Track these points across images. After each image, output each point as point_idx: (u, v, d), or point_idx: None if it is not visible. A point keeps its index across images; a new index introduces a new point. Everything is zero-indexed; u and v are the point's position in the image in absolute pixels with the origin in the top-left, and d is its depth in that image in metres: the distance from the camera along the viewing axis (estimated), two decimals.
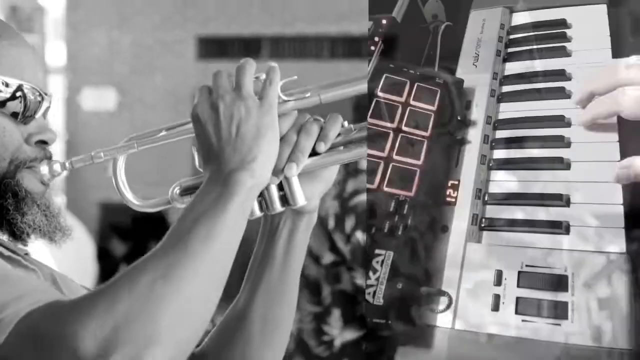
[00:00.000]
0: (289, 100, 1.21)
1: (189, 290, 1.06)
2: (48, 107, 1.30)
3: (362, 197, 2.68)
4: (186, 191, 1.25)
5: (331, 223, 2.70)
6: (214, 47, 9.30)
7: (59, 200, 1.31)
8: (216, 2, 9.24)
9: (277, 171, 1.18)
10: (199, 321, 1.08)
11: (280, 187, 1.21)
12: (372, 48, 1.52)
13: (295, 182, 1.21)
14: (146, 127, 1.32)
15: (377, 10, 1.58)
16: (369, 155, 1.33)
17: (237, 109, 1.17)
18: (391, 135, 1.39)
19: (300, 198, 1.21)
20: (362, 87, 1.22)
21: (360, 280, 2.62)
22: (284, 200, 1.21)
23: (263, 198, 1.20)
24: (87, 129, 9.60)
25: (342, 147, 1.22)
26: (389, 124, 1.40)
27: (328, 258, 2.72)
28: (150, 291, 1.04)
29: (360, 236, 2.66)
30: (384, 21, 1.58)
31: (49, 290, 1.13)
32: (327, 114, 1.23)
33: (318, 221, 2.97)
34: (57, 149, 1.26)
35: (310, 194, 1.24)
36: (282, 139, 1.19)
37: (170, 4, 9.36)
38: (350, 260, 2.67)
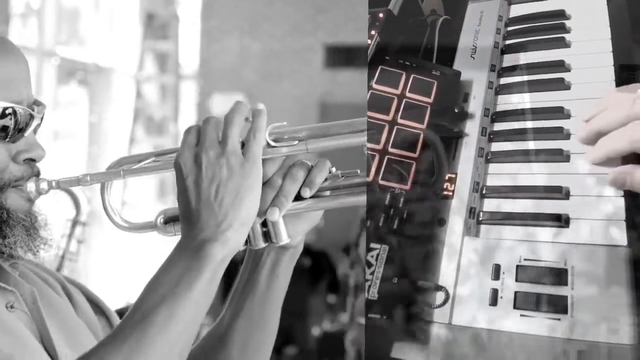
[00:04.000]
0: (275, 147, 1.20)
1: None
2: (39, 124, 1.28)
3: None
4: (170, 220, 1.24)
5: None
6: (342, 56, 9.39)
7: (44, 212, 1.31)
8: (345, 10, 9.30)
9: (261, 212, 1.18)
10: None
11: (264, 223, 1.21)
12: (369, 41, 1.50)
13: (280, 222, 1.20)
14: None
15: (378, 4, 1.56)
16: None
17: (220, 169, 1.14)
18: (386, 127, 1.36)
19: (283, 236, 1.21)
20: (357, 140, 1.22)
21: None
22: (267, 236, 1.21)
23: None
24: None
25: (328, 193, 1.21)
26: (384, 116, 1.37)
27: None
28: None
29: None
30: (380, 14, 1.55)
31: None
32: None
33: None
34: None
35: (294, 232, 1.24)
36: (267, 182, 1.19)
37: (301, 12, 9.54)
38: None
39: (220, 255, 1.12)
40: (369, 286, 1.23)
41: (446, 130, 1.39)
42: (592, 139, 1.18)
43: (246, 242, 1.20)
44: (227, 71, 9.70)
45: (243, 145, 1.18)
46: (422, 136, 1.36)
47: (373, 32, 1.51)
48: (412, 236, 1.28)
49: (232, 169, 1.14)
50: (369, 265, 1.24)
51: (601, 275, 1.17)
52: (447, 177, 1.33)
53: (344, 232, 6.59)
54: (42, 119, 1.28)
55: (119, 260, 7.70)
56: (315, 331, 6.94)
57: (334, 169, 1.23)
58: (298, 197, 1.21)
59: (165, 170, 1.24)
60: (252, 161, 1.16)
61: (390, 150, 1.34)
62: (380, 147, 1.34)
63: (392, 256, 1.25)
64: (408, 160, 1.34)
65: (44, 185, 1.27)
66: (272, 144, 1.20)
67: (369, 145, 1.32)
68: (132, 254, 7.65)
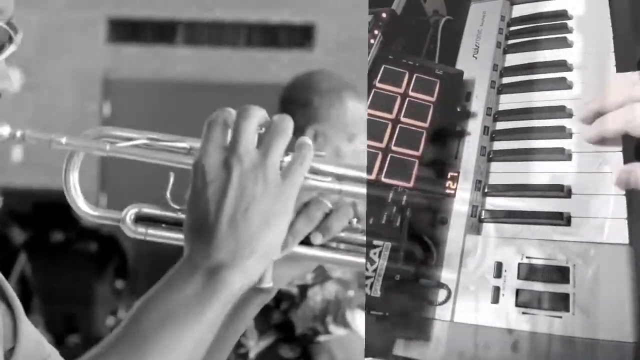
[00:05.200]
0: (307, 177, 1.01)
1: None
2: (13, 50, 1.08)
3: None
4: (143, 220, 1.04)
5: None
6: (126, 30, 8.78)
7: None
8: None
9: None
10: None
11: None
12: (372, 41, 1.51)
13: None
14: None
15: (378, 3, 1.57)
16: (368, 146, 1.32)
17: (254, 183, 0.95)
18: (389, 126, 1.37)
19: (267, 279, 1.02)
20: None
21: (284, 285, 2.51)
22: None
23: None
24: None
25: (334, 244, 1.05)
26: (387, 115, 1.38)
27: None
28: None
29: None
30: (383, 14, 1.56)
31: None
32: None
33: None
34: None
35: (280, 277, 1.05)
36: None
37: None
38: None
39: (238, 285, 0.95)
40: (372, 283, 1.23)
41: (449, 128, 1.40)
42: (591, 119, 1.19)
43: None
44: None
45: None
46: (425, 134, 1.37)
47: (376, 32, 1.52)
48: (415, 234, 1.29)
49: (268, 186, 0.95)
50: (372, 262, 1.24)
51: (602, 273, 1.18)
52: (449, 176, 1.34)
53: None
54: (18, 44, 1.08)
55: None
56: (110, 321, 6.61)
57: (355, 220, 1.06)
58: (304, 241, 1.03)
59: (159, 161, 1.03)
60: (292, 184, 0.97)
61: (393, 148, 1.35)
62: (383, 145, 1.35)
63: (395, 254, 1.25)
64: (411, 158, 1.35)
65: (4, 131, 1.01)
66: (308, 176, 1.01)
67: (373, 143, 1.33)
68: None
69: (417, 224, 1.29)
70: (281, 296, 2.46)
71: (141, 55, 8.55)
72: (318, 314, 2.42)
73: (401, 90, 1.42)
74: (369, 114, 1.36)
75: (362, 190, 1.05)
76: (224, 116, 0.98)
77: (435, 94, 1.42)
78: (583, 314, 1.16)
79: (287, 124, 0.99)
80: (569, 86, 1.40)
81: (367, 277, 1.24)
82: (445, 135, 1.39)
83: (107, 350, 0.92)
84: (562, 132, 1.33)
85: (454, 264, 1.25)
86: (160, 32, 8.78)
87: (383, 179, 1.31)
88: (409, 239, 1.28)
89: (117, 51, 8.65)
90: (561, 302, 1.18)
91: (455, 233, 1.29)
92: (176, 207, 1.03)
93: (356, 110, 2.49)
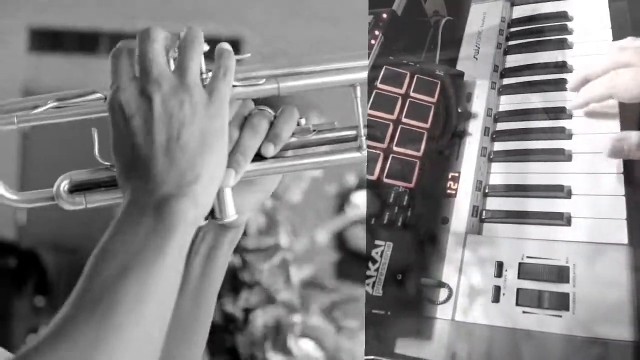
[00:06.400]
0: (237, 86, 0.93)
1: None
2: None
3: None
4: (78, 188, 0.96)
5: None
6: (48, 40, 8.33)
7: None
8: None
9: None
10: None
11: None
12: (373, 42, 1.52)
13: (227, 191, 0.94)
14: None
15: (381, 4, 1.58)
16: (369, 147, 1.32)
17: (180, 105, 0.87)
18: (391, 126, 1.38)
19: (230, 211, 0.94)
20: (346, 79, 0.97)
21: (230, 308, 2.38)
22: (210, 211, 0.93)
23: None
24: None
25: (290, 153, 0.97)
26: (388, 116, 1.39)
27: None
28: None
29: None
30: (384, 15, 1.57)
31: None
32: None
33: None
34: None
35: (243, 205, 0.97)
36: None
37: None
38: None
39: (191, 214, 0.86)
40: (373, 282, 1.24)
41: (449, 129, 1.41)
42: (579, 87, 1.21)
43: None
44: None
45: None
46: (426, 135, 1.38)
47: (377, 32, 1.52)
48: (416, 234, 1.30)
49: (195, 105, 0.87)
50: (374, 261, 1.25)
51: (602, 273, 1.19)
52: (450, 176, 1.35)
53: (51, 228, 6.30)
54: None
55: None
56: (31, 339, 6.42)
57: (303, 120, 0.97)
58: (257, 157, 0.95)
59: (75, 117, 0.95)
60: (220, 102, 0.89)
61: (395, 148, 1.36)
62: (384, 145, 1.36)
63: (396, 253, 1.26)
64: (412, 159, 1.35)
65: None
66: (234, 83, 0.93)
67: (374, 143, 1.34)
68: None
69: (418, 224, 1.30)
70: (228, 318, 2.37)
71: (63, 65, 8.08)
72: (258, 339, 2.31)
73: (402, 91, 1.43)
74: (370, 115, 1.37)
75: (301, 82, 0.95)
76: (127, 45, 0.90)
77: (436, 95, 1.43)
78: (583, 313, 1.17)
79: (196, 34, 0.91)
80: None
81: (369, 277, 1.25)
82: (446, 136, 1.40)
83: (74, 310, 0.83)
84: (562, 133, 1.34)
85: (455, 264, 1.26)
86: (82, 42, 8.56)
87: (385, 180, 1.32)
88: (411, 239, 1.29)
89: (38, 61, 8.19)
90: (561, 302, 1.19)
91: (456, 233, 1.29)
92: (106, 163, 0.95)
93: None
